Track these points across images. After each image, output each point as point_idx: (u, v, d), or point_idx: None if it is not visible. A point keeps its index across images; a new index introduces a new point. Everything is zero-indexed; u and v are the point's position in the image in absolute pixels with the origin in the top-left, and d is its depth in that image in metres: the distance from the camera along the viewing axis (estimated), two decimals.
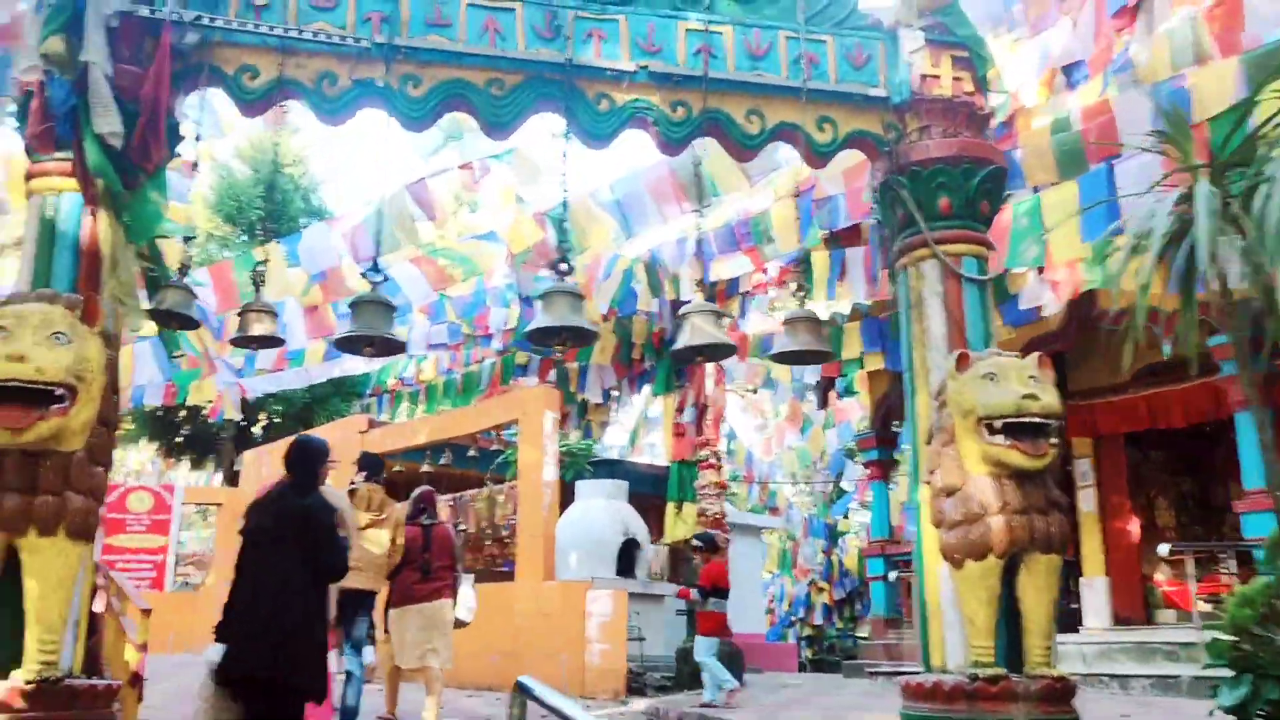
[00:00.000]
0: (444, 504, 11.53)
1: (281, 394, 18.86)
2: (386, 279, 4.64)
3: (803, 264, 12.42)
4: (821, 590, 20.93)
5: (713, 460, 11.61)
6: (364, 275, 4.64)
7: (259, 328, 4.60)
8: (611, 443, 21.91)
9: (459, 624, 7.13)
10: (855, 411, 19.33)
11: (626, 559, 12.90)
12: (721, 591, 8.79)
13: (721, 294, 14.64)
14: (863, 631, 21.22)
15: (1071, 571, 12.87)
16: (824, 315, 16.60)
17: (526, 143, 9.13)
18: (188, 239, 4.66)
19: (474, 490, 11.16)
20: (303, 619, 4.18)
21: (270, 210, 20.99)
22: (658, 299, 13.17)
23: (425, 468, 13.00)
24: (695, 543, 9.31)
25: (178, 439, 21.04)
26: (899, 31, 5.20)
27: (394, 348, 4.68)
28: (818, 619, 21.18)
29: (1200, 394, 9.73)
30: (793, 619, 21.88)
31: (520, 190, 9.21)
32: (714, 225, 12.02)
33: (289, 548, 4.22)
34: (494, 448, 13.20)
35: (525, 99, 4.92)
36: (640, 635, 10.67)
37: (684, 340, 4.89)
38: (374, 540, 6.66)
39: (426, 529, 6.89)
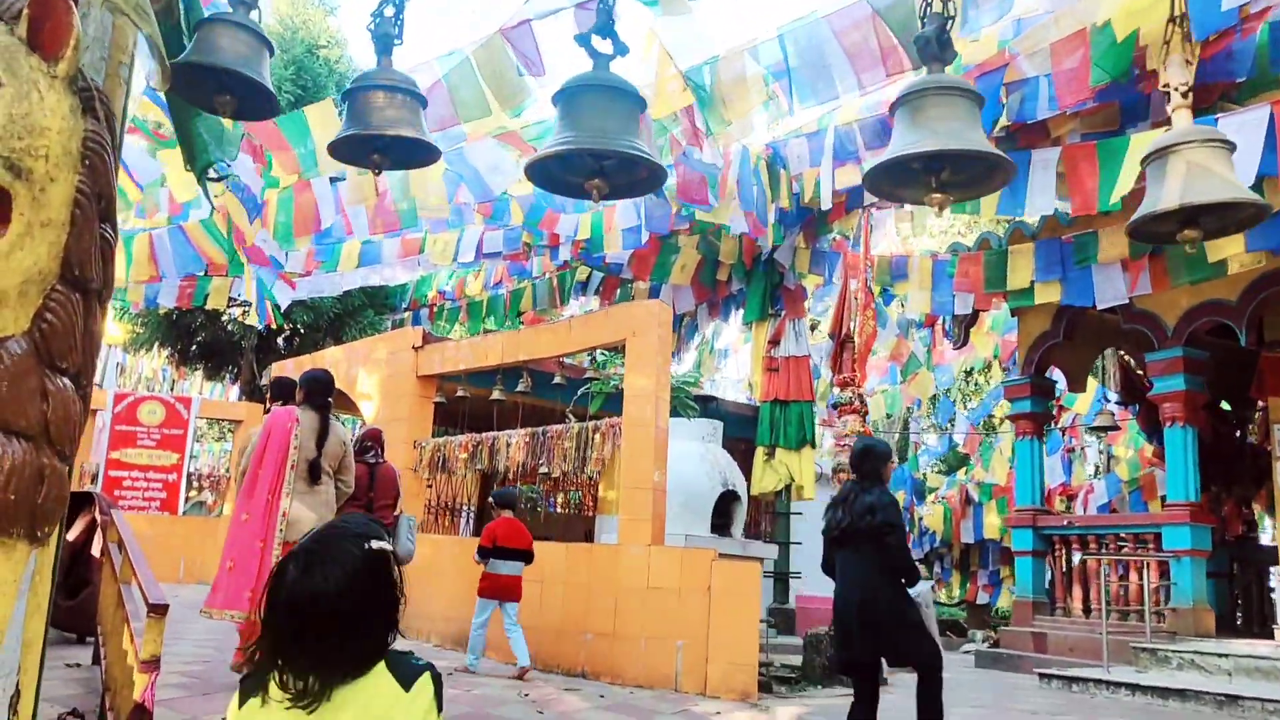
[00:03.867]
0: (521, 440, 9.45)
1: (311, 301, 16.80)
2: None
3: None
4: None
5: (856, 404, 9.41)
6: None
7: (388, 114, 2.36)
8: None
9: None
10: (953, 355, 17.16)
11: (722, 514, 10.89)
12: (505, 552, 7.84)
13: (841, 207, 12.40)
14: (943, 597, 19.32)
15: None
16: (972, 239, 14.28)
17: None
18: None
19: (559, 426, 9.02)
20: (887, 605, 4.65)
21: (300, 96, 18.74)
22: (774, 206, 10.82)
23: (496, 394, 10.84)
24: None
25: (193, 346, 19.01)
26: None
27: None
28: None
29: None
30: None
31: (666, 38, 6.84)
32: (855, 117, 9.72)
33: (862, 542, 4.73)
34: (587, 375, 11.03)
35: None
36: (770, 619, 8.62)
37: (1172, 194, 2.63)
38: None
39: (372, 467, 6.99)
